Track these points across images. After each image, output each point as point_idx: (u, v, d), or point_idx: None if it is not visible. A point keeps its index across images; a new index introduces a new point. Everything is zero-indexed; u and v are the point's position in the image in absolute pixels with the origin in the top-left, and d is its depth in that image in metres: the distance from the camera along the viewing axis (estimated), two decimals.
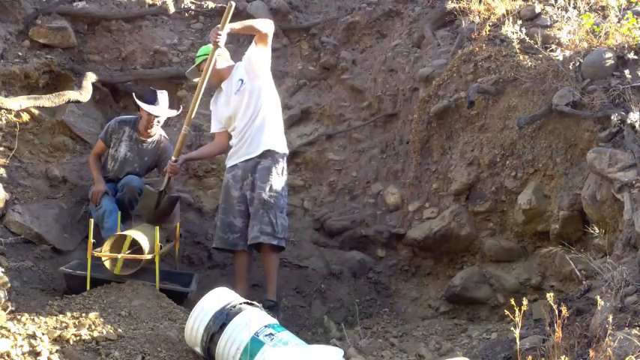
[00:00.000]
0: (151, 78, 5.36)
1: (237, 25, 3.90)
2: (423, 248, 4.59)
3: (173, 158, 4.03)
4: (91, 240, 3.52)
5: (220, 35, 3.77)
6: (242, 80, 4.01)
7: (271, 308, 3.60)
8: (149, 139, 4.36)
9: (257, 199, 3.87)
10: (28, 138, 4.53)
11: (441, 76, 4.59)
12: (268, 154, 3.95)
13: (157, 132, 4.39)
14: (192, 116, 4.00)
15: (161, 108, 4.27)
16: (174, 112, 4.39)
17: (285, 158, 4.11)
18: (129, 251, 3.64)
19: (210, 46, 3.90)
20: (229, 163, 4.09)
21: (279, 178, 3.96)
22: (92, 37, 5.45)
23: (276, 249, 3.94)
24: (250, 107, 3.96)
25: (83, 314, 2.99)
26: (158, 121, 4.29)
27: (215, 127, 4.25)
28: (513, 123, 4.08)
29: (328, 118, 5.55)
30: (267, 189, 3.87)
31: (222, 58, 4.14)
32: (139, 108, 4.31)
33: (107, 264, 3.57)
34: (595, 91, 3.63)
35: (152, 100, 4.24)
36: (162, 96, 4.29)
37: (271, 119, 4.03)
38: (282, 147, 4.06)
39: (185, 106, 5.27)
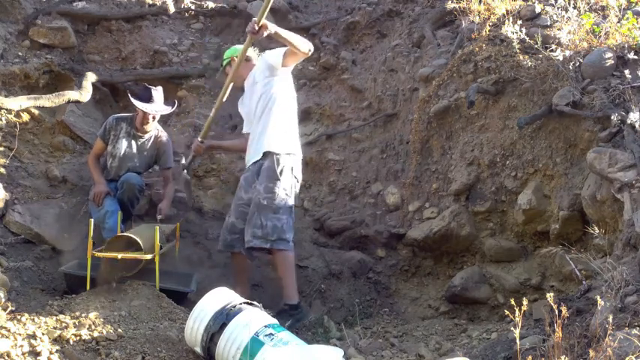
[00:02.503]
0: (151, 78, 5.37)
1: (281, 30, 3.66)
2: (423, 248, 4.59)
3: (199, 139, 4.12)
4: (91, 240, 3.52)
5: (259, 27, 3.54)
6: (256, 81, 3.96)
7: (286, 312, 3.54)
8: (146, 135, 4.38)
9: (253, 202, 3.79)
10: (28, 138, 4.53)
11: (441, 76, 4.59)
12: (268, 155, 3.85)
13: (154, 127, 4.39)
14: (222, 102, 4.02)
15: (155, 105, 4.26)
16: (168, 109, 4.36)
17: (292, 158, 3.90)
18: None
19: (243, 46, 3.89)
20: (246, 165, 4.07)
21: (277, 179, 3.79)
22: (92, 37, 5.45)
23: (281, 250, 3.76)
24: (259, 109, 3.92)
25: (83, 314, 2.98)
26: (153, 117, 4.30)
27: (245, 128, 4.19)
28: (513, 123, 4.08)
29: (328, 118, 5.54)
30: (263, 190, 3.75)
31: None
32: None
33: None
34: (595, 91, 3.63)
35: (146, 98, 4.24)
36: (157, 93, 4.29)
37: (277, 122, 3.88)
38: (283, 148, 3.87)
39: (185, 105, 5.30)
